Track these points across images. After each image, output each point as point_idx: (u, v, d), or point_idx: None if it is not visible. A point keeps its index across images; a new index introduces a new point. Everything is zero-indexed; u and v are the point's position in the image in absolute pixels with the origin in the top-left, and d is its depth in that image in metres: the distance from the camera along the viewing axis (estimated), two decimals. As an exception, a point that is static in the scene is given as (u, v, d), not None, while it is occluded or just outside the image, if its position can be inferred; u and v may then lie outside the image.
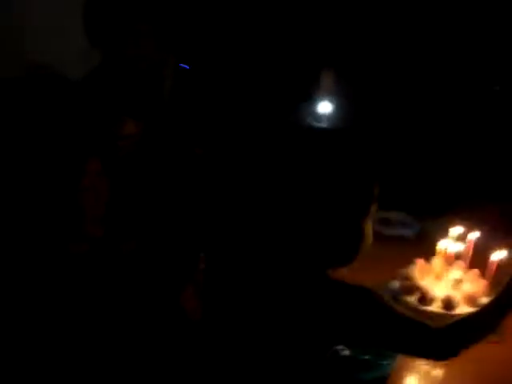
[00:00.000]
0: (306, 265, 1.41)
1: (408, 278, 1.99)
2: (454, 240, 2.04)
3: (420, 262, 2.04)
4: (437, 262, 2.02)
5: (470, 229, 2.04)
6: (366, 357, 1.69)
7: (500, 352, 1.81)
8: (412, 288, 1.95)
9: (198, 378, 1.55)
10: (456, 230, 2.04)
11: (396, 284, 1.99)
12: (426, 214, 2.56)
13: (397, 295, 1.93)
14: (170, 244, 1.92)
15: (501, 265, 1.94)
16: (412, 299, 1.91)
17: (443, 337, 1.42)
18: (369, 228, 1.43)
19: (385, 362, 1.70)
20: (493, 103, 3.16)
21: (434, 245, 2.14)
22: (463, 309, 1.86)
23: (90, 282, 1.76)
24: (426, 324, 1.42)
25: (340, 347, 1.67)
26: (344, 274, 1.45)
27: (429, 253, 2.09)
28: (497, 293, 1.50)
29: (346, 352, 1.68)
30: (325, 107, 2.50)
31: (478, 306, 1.86)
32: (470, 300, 1.89)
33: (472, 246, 2.02)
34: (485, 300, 1.88)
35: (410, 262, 2.08)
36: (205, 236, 1.99)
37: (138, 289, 1.77)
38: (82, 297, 1.74)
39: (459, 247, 2.01)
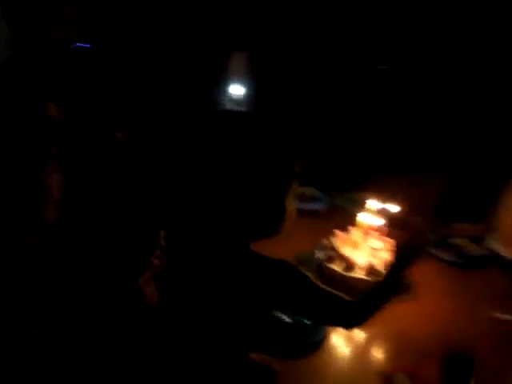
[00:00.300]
0: (234, 240, 1.48)
1: (330, 248, 2.16)
2: (373, 213, 2.21)
3: (339, 233, 2.21)
4: (356, 232, 2.21)
5: (384, 202, 2.24)
6: (306, 322, 1.83)
7: (413, 309, 2.04)
8: (335, 257, 2.12)
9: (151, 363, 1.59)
10: (373, 203, 2.23)
11: (320, 254, 2.15)
12: (335, 189, 2.76)
13: (322, 264, 2.10)
14: (118, 226, 1.93)
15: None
16: (338, 267, 2.08)
17: (351, 308, 1.54)
18: (292, 204, 1.50)
19: (321, 327, 1.85)
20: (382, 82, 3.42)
21: (347, 217, 2.36)
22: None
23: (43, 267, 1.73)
24: (339, 296, 1.52)
25: (282, 314, 1.80)
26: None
27: (343, 224, 2.27)
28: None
29: (288, 318, 1.81)
30: (237, 90, 2.57)
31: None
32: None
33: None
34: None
35: (326, 233, 2.24)
36: (156, 216, 2.01)
37: (93, 275, 1.77)
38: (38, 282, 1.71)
39: (379, 221, 2.19)
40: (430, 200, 2.59)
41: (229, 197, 1.43)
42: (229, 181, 1.43)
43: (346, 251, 2.12)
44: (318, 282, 1.50)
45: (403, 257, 1.62)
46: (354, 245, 2.15)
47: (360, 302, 1.55)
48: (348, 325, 1.62)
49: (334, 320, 1.59)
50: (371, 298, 1.58)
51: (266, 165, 1.43)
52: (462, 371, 1.61)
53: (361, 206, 2.38)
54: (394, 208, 2.21)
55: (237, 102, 2.56)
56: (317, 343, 1.82)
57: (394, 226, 2.15)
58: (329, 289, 1.50)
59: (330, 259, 2.11)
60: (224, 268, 1.46)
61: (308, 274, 1.49)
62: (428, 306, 2.09)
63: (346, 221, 2.31)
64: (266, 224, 1.47)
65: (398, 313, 1.93)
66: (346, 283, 1.98)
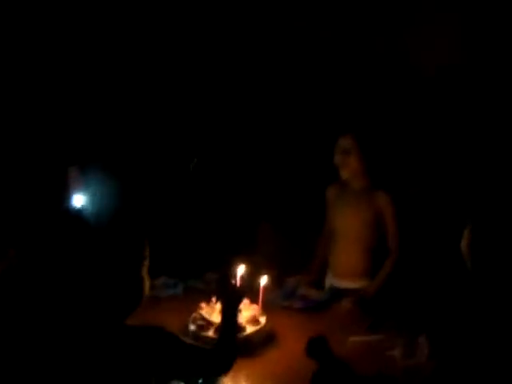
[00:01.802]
0: (106, 319, 1.69)
1: (200, 319, 2.39)
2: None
3: (203, 305, 2.46)
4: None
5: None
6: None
7: (283, 352, 2.35)
8: (206, 325, 2.36)
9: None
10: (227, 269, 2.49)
11: (193, 326, 2.37)
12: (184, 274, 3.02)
13: (198, 333, 2.33)
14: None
15: (267, 288, 2.50)
16: (210, 333, 2.32)
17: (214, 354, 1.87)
18: (146, 279, 1.79)
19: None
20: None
21: (203, 295, 2.63)
22: (249, 329, 2.35)
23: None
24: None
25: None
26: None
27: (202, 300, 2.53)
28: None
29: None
30: (78, 200, 2.79)
31: (259, 324, 2.38)
32: (252, 321, 2.39)
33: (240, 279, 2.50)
34: (262, 319, 2.42)
35: (188, 311, 2.49)
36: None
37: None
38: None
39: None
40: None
41: (94, 283, 1.67)
42: (90, 272, 1.67)
43: (216, 318, 2.36)
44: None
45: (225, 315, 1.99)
46: (219, 311, 2.39)
47: (217, 348, 1.89)
48: (220, 370, 1.90)
49: (206, 370, 1.87)
50: (221, 343, 1.91)
51: (119, 252, 1.71)
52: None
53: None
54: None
55: (79, 210, 2.76)
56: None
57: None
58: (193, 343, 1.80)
59: (202, 328, 2.34)
60: (102, 345, 1.64)
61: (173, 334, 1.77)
62: (291, 348, 2.36)
63: (203, 297, 2.57)
64: (132, 298, 1.73)
65: (271, 359, 2.24)
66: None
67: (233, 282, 2.20)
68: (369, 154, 2.90)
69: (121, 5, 4.11)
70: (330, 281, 3.05)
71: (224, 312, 2.01)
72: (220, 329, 2.01)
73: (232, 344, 1.93)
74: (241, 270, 2.49)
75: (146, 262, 1.78)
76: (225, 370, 1.89)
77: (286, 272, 3.03)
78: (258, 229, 3.78)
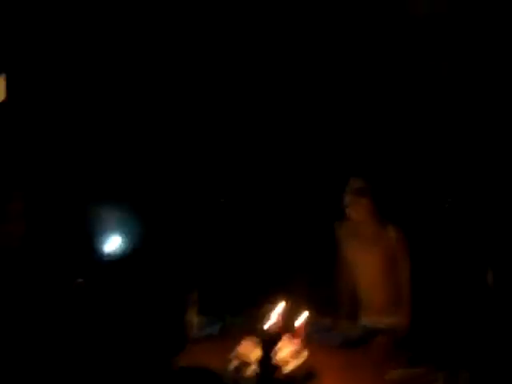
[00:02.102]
0: (153, 358, 1.74)
1: (239, 357, 2.41)
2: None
3: (243, 341, 2.48)
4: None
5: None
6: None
7: None
8: (243, 365, 2.37)
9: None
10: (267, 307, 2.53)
11: (232, 366, 2.38)
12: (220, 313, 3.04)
13: (237, 374, 2.33)
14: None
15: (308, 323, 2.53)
16: (248, 373, 2.33)
17: None
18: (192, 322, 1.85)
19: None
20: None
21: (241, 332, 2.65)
22: (292, 364, 2.37)
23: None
24: None
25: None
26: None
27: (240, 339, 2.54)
28: None
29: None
30: (115, 242, 2.88)
31: (302, 357, 2.40)
32: (294, 356, 2.40)
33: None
34: (304, 354, 2.44)
35: (228, 350, 2.49)
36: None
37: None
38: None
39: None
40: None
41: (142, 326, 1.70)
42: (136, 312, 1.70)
43: (253, 356, 2.37)
44: None
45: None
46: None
47: None
48: None
49: None
50: None
51: (165, 295, 1.75)
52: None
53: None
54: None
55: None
56: None
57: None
58: None
59: (239, 370, 2.34)
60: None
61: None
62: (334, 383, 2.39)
63: (242, 334, 2.58)
64: (177, 341, 1.75)
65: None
66: None
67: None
68: (380, 195, 2.95)
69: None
70: (363, 319, 3.07)
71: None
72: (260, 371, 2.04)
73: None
74: (280, 306, 2.53)
75: (195, 307, 1.80)
76: None
77: (319, 309, 3.05)
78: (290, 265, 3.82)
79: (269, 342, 2.14)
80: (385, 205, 2.96)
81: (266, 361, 2.05)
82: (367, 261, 2.97)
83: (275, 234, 4.18)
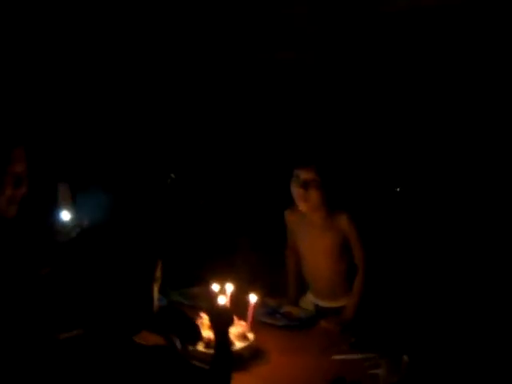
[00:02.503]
0: (116, 335, 1.67)
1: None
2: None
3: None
4: (204, 315, 2.50)
5: (222, 284, 2.57)
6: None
7: (267, 371, 2.38)
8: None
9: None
10: (214, 286, 2.55)
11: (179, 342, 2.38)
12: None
13: (186, 349, 2.35)
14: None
15: (255, 305, 2.55)
16: (199, 348, 2.37)
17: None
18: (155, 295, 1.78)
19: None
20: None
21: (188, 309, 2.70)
22: (238, 345, 2.40)
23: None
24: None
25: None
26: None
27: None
28: None
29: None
30: (65, 215, 2.82)
31: (248, 340, 2.43)
32: (241, 337, 2.43)
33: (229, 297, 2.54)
34: (251, 335, 2.47)
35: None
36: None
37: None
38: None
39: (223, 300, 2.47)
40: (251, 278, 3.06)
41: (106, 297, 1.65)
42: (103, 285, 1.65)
43: (205, 333, 2.41)
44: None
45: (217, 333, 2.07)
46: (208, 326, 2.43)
47: (214, 369, 1.93)
48: None
49: None
50: (218, 364, 1.95)
51: (129, 266, 1.67)
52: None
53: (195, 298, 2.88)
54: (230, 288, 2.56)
55: (66, 225, 2.80)
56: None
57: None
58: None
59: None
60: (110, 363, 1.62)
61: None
62: (277, 364, 2.43)
63: (189, 312, 2.63)
64: (139, 319, 1.71)
65: (259, 374, 2.32)
66: (207, 359, 2.19)
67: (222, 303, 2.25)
68: (329, 186, 2.85)
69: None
70: (312, 300, 3.12)
71: (216, 335, 2.07)
72: (215, 350, 2.03)
73: (229, 366, 1.97)
74: (229, 287, 2.55)
75: (158, 283, 1.75)
76: None
77: (266, 290, 3.08)
78: (237, 243, 3.85)
79: (224, 319, 2.15)
80: (335, 193, 2.88)
81: (224, 341, 2.04)
82: (317, 248, 2.98)
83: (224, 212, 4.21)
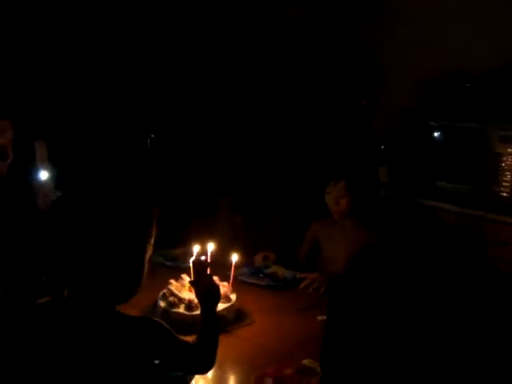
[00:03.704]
0: (101, 303, 1.57)
1: (171, 295, 2.35)
2: (197, 255, 2.45)
3: (172, 281, 2.42)
4: (186, 277, 2.43)
5: (203, 244, 2.51)
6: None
7: (254, 329, 2.35)
8: (177, 302, 2.33)
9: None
10: (195, 247, 2.48)
11: (163, 303, 2.33)
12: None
13: (168, 310, 2.29)
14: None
15: (236, 266, 2.49)
16: (180, 310, 2.29)
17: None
18: (149, 252, 1.68)
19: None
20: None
21: (169, 270, 2.67)
22: (220, 306, 2.31)
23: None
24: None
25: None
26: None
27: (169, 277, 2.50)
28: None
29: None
30: (43, 175, 2.73)
31: (230, 301, 2.37)
32: (224, 298, 2.35)
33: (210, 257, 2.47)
34: (233, 296, 2.41)
35: (157, 287, 2.44)
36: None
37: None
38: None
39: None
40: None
41: (94, 260, 1.53)
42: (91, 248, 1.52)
43: (186, 295, 2.34)
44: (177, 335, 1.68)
45: (203, 298, 1.98)
46: (188, 287, 2.38)
47: (200, 344, 1.81)
48: (203, 370, 1.83)
49: (194, 368, 1.80)
50: (205, 339, 1.84)
51: (120, 232, 1.55)
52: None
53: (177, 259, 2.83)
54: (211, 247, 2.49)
55: (44, 184, 2.71)
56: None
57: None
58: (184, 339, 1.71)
59: (173, 305, 2.31)
60: (92, 333, 1.53)
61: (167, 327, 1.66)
62: (262, 326, 2.39)
63: (170, 274, 2.55)
64: (131, 280, 1.60)
65: (243, 336, 2.27)
66: (188, 321, 2.22)
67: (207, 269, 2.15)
68: (359, 196, 2.97)
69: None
70: None
71: (203, 308, 1.97)
72: (201, 323, 1.92)
73: (215, 341, 1.86)
74: (210, 247, 2.47)
75: (151, 246, 1.64)
76: (210, 366, 1.82)
77: (249, 250, 3.02)
78: (219, 203, 3.77)
79: (199, 269, 2.10)
80: (365, 203, 3.01)
81: (211, 315, 1.96)
82: (342, 255, 2.93)
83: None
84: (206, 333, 1.88)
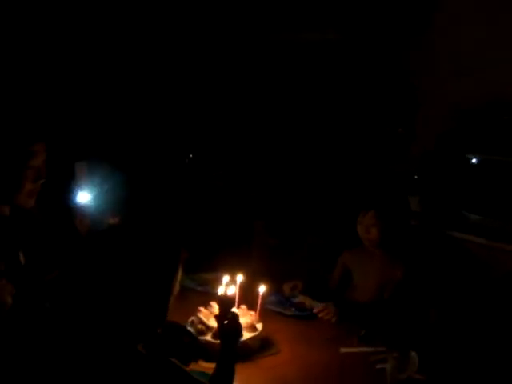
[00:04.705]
0: (124, 338, 1.64)
1: (199, 323, 2.45)
2: (226, 286, 2.53)
3: (202, 309, 2.52)
4: (215, 304, 2.53)
5: (233, 274, 2.59)
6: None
7: (278, 359, 2.43)
8: (205, 329, 2.43)
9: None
10: (225, 277, 2.56)
11: (192, 329, 2.43)
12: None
13: (196, 337, 2.39)
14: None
15: (263, 297, 2.57)
16: (208, 337, 2.39)
17: None
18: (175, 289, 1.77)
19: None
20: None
21: (199, 295, 2.79)
22: (246, 335, 2.41)
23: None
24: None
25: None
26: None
27: (199, 303, 2.61)
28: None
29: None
30: (83, 197, 2.82)
31: (256, 331, 2.45)
32: (250, 328, 2.45)
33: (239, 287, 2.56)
34: (259, 326, 2.49)
35: (187, 312, 2.54)
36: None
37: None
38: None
39: (232, 290, 2.51)
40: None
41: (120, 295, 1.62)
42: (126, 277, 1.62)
43: (214, 323, 2.41)
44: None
45: (225, 334, 2.09)
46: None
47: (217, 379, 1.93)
48: None
49: None
50: (221, 373, 1.96)
51: (152, 261, 1.65)
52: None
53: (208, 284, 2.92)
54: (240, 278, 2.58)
55: (82, 206, 2.80)
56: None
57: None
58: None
59: (201, 333, 2.41)
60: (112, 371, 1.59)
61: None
62: (286, 354, 2.47)
63: (199, 299, 2.68)
64: (153, 319, 1.69)
65: (266, 365, 2.33)
66: (215, 349, 2.23)
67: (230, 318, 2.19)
68: (389, 226, 3.05)
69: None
70: None
71: (223, 343, 2.07)
72: (219, 359, 2.03)
73: (231, 375, 1.98)
74: (239, 278, 2.57)
75: (176, 286, 1.73)
76: None
77: (280, 278, 3.10)
78: (254, 228, 3.86)
79: (225, 306, 2.19)
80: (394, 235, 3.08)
81: (228, 354, 2.06)
82: (369, 284, 3.07)
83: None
84: (223, 368, 1.99)
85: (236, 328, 2.13)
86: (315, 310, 2.86)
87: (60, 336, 1.65)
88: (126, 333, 1.65)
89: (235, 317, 2.16)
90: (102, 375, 1.58)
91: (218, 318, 2.18)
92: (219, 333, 2.13)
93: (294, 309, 2.86)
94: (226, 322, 2.12)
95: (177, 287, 1.73)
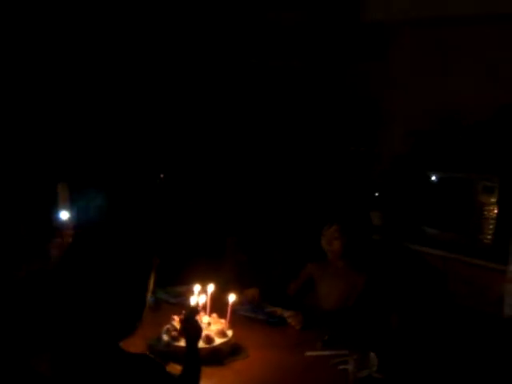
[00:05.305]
0: (103, 339, 1.78)
1: (174, 330, 2.60)
2: (198, 295, 2.72)
3: (175, 317, 2.68)
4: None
5: (204, 284, 2.77)
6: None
7: (248, 362, 2.60)
8: (179, 335, 2.57)
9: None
10: (196, 287, 2.74)
11: (166, 336, 2.59)
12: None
13: (170, 343, 2.55)
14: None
15: (233, 305, 2.74)
16: (181, 343, 2.53)
17: None
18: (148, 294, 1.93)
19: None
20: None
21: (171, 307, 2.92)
22: (218, 341, 2.58)
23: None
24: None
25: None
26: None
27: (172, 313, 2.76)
28: None
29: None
30: (64, 215, 3.03)
31: (227, 337, 2.62)
32: (221, 334, 2.62)
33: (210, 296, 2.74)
34: (229, 332, 2.65)
35: (161, 322, 2.70)
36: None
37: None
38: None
39: (204, 299, 2.71)
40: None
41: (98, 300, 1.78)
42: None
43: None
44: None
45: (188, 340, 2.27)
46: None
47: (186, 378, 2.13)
48: None
49: None
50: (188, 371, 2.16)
51: (126, 266, 1.81)
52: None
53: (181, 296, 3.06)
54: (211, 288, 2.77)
55: (64, 223, 2.99)
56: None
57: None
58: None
59: (175, 339, 2.56)
60: (96, 368, 1.74)
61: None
62: (255, 358, 2.63)
63: (174, 310, 2.83)
64: (133, 317, 1.86)
65: (237, 368, 2.52)
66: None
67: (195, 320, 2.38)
68: (351, 239, 3.27)
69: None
70: None
71: (188, 346, 2.26)
72: (184, 360, 2.22)
73: (196, 374, 2.17)
74: (210, 288, 2.75)
75: (150, 289, 1.87)
76: None
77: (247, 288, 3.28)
78: (226, 242, 4.03)
79: (188, 310, 2.38)
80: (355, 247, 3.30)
81: (194, 353, 2.26)
82: (332, 293, 3.26)
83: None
84: (189, 364, 2.20)
85: (196, 328, 2.32)
86: (286, 314, 3.04)
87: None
88: (104, 331, 1.80)
89: (195, 320, 2.35)
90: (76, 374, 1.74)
91: (181, 321, 2.37)
92: (183, 332, 2.34)
93: (265, 315, 3.07)
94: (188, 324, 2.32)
95: (151, 286, 1.90)
